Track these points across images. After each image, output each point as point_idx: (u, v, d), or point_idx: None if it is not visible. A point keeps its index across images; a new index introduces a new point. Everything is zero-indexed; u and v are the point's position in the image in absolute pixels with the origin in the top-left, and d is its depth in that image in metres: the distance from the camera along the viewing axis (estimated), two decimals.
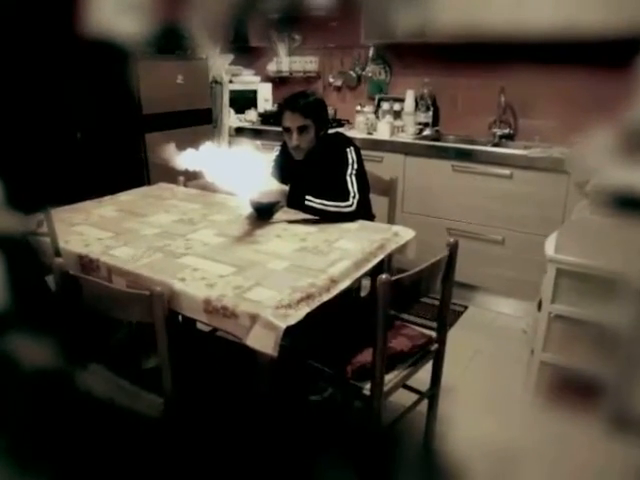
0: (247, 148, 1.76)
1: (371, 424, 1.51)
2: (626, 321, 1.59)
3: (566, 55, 2.68)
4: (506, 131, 3.00)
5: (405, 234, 1.84)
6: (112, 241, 1.72)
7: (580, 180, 2.49)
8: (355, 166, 2.01)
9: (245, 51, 3.63)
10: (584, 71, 2.68)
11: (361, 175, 2.03)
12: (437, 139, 3.12)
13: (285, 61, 3.60)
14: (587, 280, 1.95)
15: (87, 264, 1.60)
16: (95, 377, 1.57)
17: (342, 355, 1.58)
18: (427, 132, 3.11)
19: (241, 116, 3.60)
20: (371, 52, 3.36)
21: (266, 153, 2.11)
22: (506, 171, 2.64)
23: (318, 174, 1.99)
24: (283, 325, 1.22)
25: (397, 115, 3.29)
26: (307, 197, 1.86)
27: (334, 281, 1.46)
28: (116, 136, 2.70)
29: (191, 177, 2.54)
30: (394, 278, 1.38)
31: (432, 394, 1.82)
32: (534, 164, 2.57)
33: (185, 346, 1.42)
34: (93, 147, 2.64)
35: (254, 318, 1.25)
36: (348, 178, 1.97)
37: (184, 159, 1.70)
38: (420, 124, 3.14)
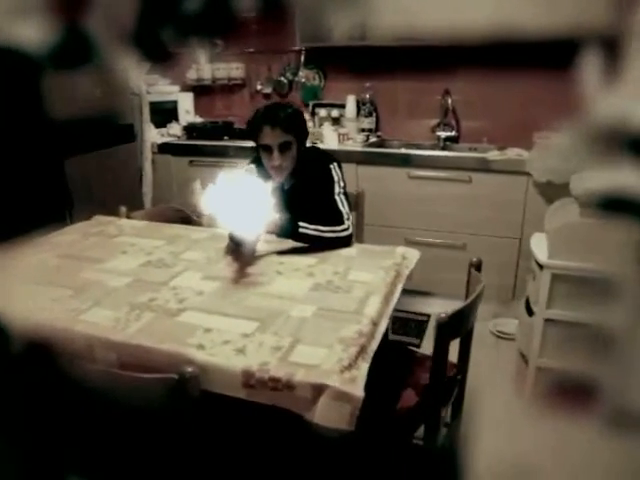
0: (249, 178, 1.49)
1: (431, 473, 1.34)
2: (621, 320, 1.55)
3: (506, 57, 2.70)
4: (450, 133, 2.97)
5: (412, 256, 1.69)
6: (76, 301, 1.36)
7: (541, 180, 2.52)
8: (341, 184, 1.82)
9: (160, 58, 3.25)
10: (525, 72, 2.72)
11: (346, 193, 1.84)
12: (382, 145, 3.02)
13: (206, 68, 3.29)
14: (582, 283, 1.94)
15: (55, 337, 1.23)
16: None
17: (384, 401, 1.39)
18: (374, 139, 2.99)
19: (163, 130, 3.22)
20: (303, 56, 3.17)
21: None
22: (465, 175, 2.60)
23: (303, 196, 1.77)
24: (360, 393, 1.00)
25: (335, 122, 3.14)
26: (300, 224, 1.64)
27: (375, 324, 1.27)
28: (28, 165, 2.23)
29: (133, 207, 2.20)
30: (451, 313, 1.22)
31: (455, 425, 1.69)
32: (492, 167, 2.56)
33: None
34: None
35: (319, 389, 1.01)
36: (337, 198, 1.77)
37: (206, 200, 1.39)
38: (364, 130, 3.02)
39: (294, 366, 1.06)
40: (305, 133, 1.81)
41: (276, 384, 1.04)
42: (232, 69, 3.29)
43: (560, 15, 2.42)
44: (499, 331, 2.66)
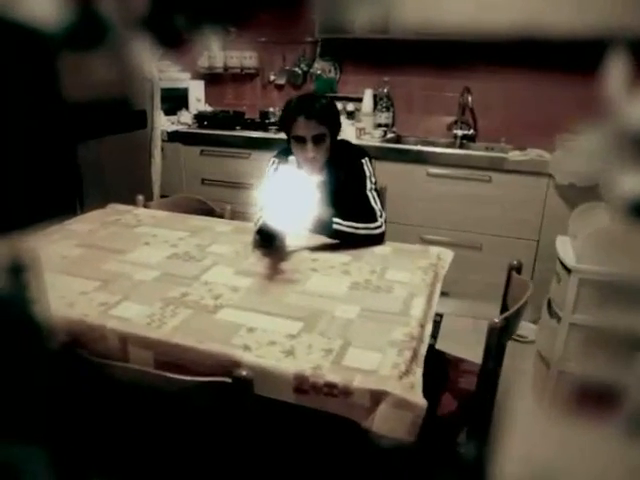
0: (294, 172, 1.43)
1: None
2: None
3: (528, 56, 2.66)
4: (468, 132, 2.93)
5: (446, 256, 1.65)
6: (104, 294, 1.29)
7: (564, 183, 2.48)
8: (373, 179, 1.76)
9: (173, 43, 3.15)
10: (547, 73, 2.68)
11: (377, 189, 1.79)
12: (398, 141, 2.96)
13: (219, 56, 3.20)
14: (611, 289, 1.90)
15: (84, 333, 1.17)
16: None
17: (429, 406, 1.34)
18: (390, 134, 2.94)
19: (173, 118, 3.14)
20: (319, 48, 3.10)
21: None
22: (485, 175, 2.56)
23: (334, 191, 1.70)
24: (422, 401, 0.95)
25: (350, 116, 3.07)
26: (334, 220, 1.58)
27: (422, 326, 1.22)
28: (41, 148, 2.14)
29: (142, 195, 2.12)
30: (503, 318, 1.17)
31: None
32: (512, 167, 2.51)
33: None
34: (9, 161, 2.07)
35: (379, 396, 0.96)
36: (369, 194, 1.72)
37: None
38: (380, 125, 2.96)
39: (349, 371, 1.01)
40: (338, 125, 1.74)
41: (332, 390, 0.98)
42: (245, 58, 3.21)
43: (588, 16, 2.38)
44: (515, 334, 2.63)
